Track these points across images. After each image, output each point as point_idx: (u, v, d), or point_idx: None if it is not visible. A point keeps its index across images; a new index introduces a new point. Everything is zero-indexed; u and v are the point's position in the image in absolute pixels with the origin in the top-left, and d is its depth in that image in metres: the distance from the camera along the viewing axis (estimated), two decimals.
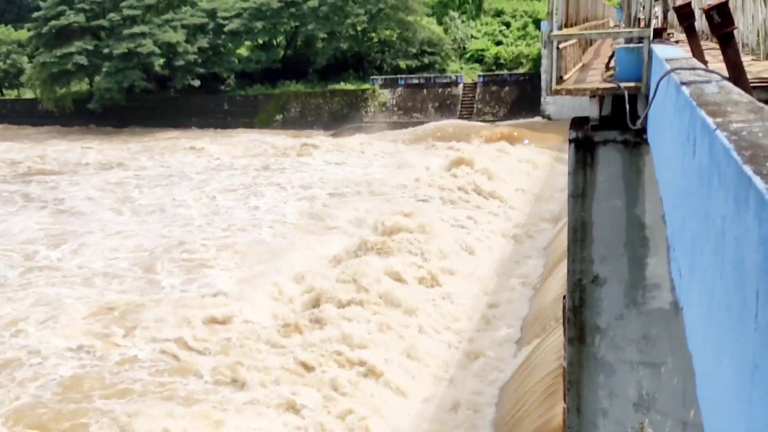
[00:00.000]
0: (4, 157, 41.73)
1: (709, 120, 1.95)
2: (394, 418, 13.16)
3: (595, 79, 6.78)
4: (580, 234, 6.32)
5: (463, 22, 50.54)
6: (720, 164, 1.71)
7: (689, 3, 5.53)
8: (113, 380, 14.37)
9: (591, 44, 11.82)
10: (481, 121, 43.18)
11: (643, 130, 5.66)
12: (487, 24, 50.92)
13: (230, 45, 51.08)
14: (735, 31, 4.16)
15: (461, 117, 44.42)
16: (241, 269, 20.28)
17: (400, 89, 46.82)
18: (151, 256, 21.77)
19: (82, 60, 49.69)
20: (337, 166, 35.75)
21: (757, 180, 1.32)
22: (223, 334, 16.10)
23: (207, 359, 15.15)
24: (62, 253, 22.72)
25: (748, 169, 1.40)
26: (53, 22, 50.52)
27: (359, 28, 48.34)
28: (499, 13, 51.48)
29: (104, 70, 49.41)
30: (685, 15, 5.26)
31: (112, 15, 50.42)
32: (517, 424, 11.60)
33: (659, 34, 6.72)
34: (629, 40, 6.32)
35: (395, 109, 46.67)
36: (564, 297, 6.56)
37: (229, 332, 16.16)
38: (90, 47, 50.11)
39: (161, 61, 49.49)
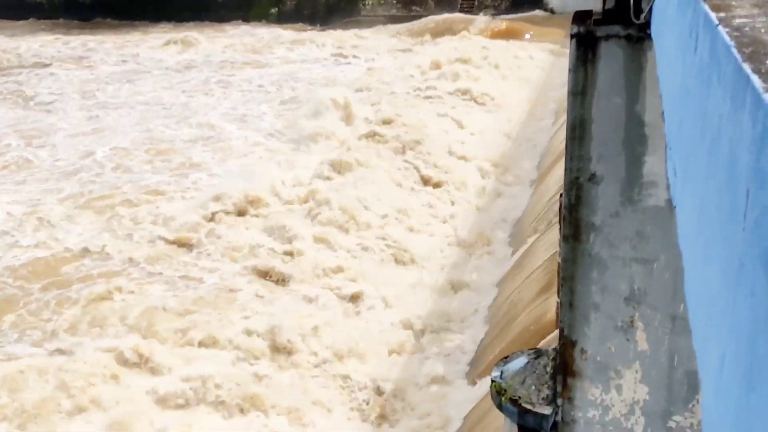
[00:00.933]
0: None
1: (712, 15, 1.89)
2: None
3: None
4: (578, 132, 6.26)
5: None
6: (720, 62, 1.68)
7: None
8: (73, 267, 14.85)
9: None
10: (482, 14, 41.98)
11: (647, 24, 5.51)
12: None
13: None
14: None
15: (462, 10, 43.14)
16: (222, 163, 20.58)
17: None
18: (126, 152, 21.94)
19: None
20: (319, 62, 34.99)
21: (755, 79, 1.29)
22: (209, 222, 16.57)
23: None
24: (33, 148, 22.78)
25: (746, 67, 1.37)
26: None
27: None
28: None
29: None
30: None
31: None
32: (514, 316, 11.94)
33: None
34: None
35: (394, 1, 45.28)
36: (561, 195, 6.59)
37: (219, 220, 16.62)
38: None
39: None
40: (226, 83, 31.47)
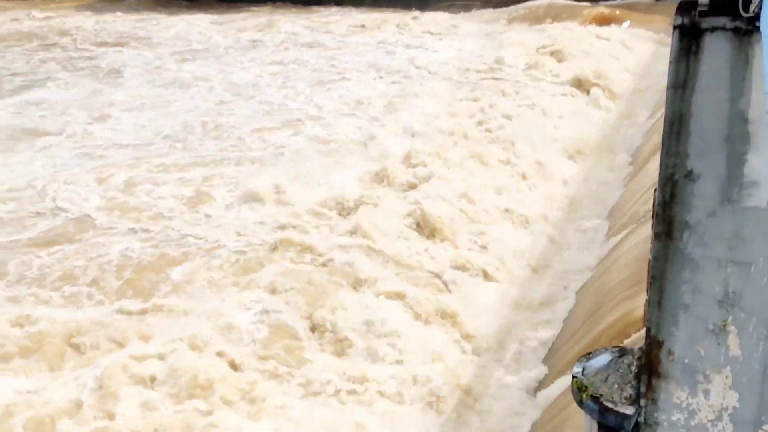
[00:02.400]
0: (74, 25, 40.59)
1: None
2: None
3: None
4: (677, 127, 6.06)
5: None
6: None
7: None
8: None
9: None
10: None
11: (757, 17, 5.28)
12: None
13: None
14: None
15: None
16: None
17: None
18: (189, 128, 22.88)
19: None
20: (407, 45, 34.78)
21: None
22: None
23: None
24: (100, 122, 23.86)
25: None
26: None
27: None
28: None
29: None
30: None
31: None
32: (600, 312, 11.75)
33: None
34: None
35: None
36: (655, 191, 6.43)
37: None
38: None
39: None
40: (310, 65, 31.58)
